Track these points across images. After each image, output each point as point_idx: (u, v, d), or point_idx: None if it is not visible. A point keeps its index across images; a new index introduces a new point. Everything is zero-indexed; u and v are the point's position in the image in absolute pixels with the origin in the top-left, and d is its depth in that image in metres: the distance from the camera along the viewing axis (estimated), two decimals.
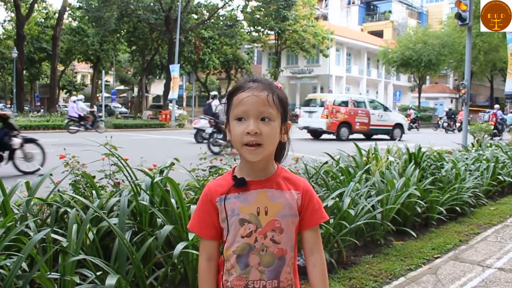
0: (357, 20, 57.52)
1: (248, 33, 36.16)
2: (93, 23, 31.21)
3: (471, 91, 20.82)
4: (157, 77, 42.60)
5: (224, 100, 1.29)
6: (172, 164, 3.33)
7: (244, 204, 1.20)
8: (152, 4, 29.44)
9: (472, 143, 8.86)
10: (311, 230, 1.27)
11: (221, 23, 32.38)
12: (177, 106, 30.18)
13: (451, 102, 46.17)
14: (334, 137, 16.29)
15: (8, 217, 2.32)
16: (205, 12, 32.95)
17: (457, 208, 4.65)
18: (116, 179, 3.32)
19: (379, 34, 51.22)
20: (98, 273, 2.18)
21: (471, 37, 9.65)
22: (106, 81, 43.47)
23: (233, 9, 32.61)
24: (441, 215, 4.31)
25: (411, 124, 26.86)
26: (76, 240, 2.18)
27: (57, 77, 34.86)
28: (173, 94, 24.15)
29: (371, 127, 17.06)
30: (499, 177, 5.96)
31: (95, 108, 19.90)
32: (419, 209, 4.10)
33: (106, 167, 3.31)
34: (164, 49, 34.56)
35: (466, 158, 6.20)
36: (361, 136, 17.02)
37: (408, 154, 5.26)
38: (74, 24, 37.32)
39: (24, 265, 2.16)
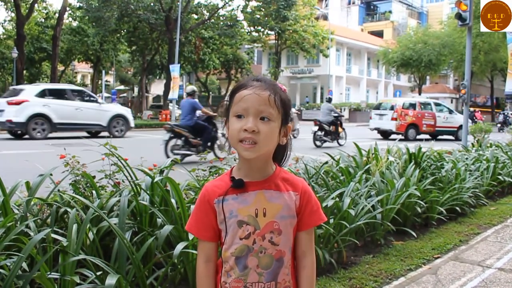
0: (357, 20, 57.52)
1: (248, 33, 36.15)
2: (93, 23, 31.19)
3: (471, 91, 21.25)
4: (157, 77, 42.60)
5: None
6: (172, 164, 3.33)
7: (243, 206, 1.19)
8: (152, 4, 29.42)
9: (472, 143, 8.86)
10: (307, 232, 1.25)
11: (221, 23, 32.35)
12: (177, 106, 30.17)
13: (451, 102, 46.14)
14: (403, 137, 17.12)
15: (8, 217, 2.32)
16: (205, 12, 32.92)
17: (457, 208, 4.65)
18: (116, 179, 3.32)
19: (379, 34, 51.22)
20: (98, 273, 2.18)
21: (471, 37, 9.66)
22: (106, 81, 43.54)
23: (233, 9, 32.60)
24: (441, 215, 4.30)
25: None
26: (76, 240, 2.18)
27: (57, 77, 34.74)
28: (173, 94, 24.15)
29: (437, 129, 18.26)
30: (499, 177, 5.96)
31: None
32: (419, 209, 4.10)
33: (106, 167, 3.31)
34: (164, 49, 34.56)
35: (466, 158, 6.20)
36: (427, 136, 17.70)
37: (408, 154, 5.26)
38: (74, 24, 37.29)
39: (24, 265, 2.16)
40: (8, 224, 2.26)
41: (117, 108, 16.58)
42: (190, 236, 2.43)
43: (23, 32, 29.09)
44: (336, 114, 14.14)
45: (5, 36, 39.36)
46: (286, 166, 1.39)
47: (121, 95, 54.86)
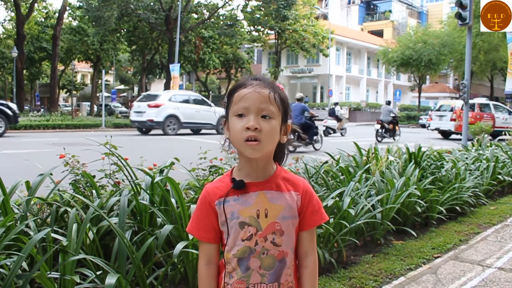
0: (357, 19, 57.52)
1: (248, 33, 36.16)
2: (93, 23, 31.19)
3: (471, 91, 21.55)
4: (157, 77, 42.61)
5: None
6: (172, 163, 3.33)
7: (244, 207, 1.18)
8: (152, 3, 29.43)
9: (472, 143, 8.85)
10: (309, 232, 1.25)
11: (221, 22, 32.38)
12: None
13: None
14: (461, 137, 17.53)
15: (8, 216, 2.31)
16: (205, 11, 32.94)
17: (457, 208, 4.65)
18: (116, 178, 3.31)
19: (379, 33, 51.24)
20: (98, 273, 2.18)
21: (471, 36, 9.66)
22: (106, 80, 43.48)
23: (233, 8, 32.65)
24: (441, 214, 4.30)
25: None
26: (76, 239, 2.18)
27: (57, 76, 34.84)
28: None
29: (495, 129, 18.51)
30: (499, 176, 5.96)
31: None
32: (419, 209, 4.09)
33: (106, 166, 3.30)
34: (164, 49, 34.57)
35: (466, 158, 6.20)
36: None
37: (408, 154, 5.25)
38: (74, 23, 37.29)
39: (24, 264, 2.16)
40: (8, 223, 2.26)
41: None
42: (190, 236, 2.42)
43: (23, 32, 29.12)
44: (393, 115, 16.52)
45: (5, 35, 39.40)
46: (286, 165, 1.39)
47: (121, 94, 54.88)
